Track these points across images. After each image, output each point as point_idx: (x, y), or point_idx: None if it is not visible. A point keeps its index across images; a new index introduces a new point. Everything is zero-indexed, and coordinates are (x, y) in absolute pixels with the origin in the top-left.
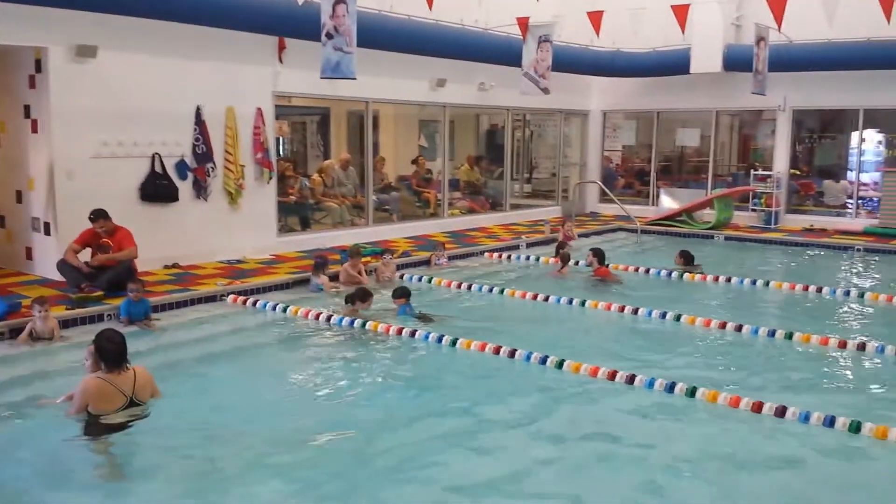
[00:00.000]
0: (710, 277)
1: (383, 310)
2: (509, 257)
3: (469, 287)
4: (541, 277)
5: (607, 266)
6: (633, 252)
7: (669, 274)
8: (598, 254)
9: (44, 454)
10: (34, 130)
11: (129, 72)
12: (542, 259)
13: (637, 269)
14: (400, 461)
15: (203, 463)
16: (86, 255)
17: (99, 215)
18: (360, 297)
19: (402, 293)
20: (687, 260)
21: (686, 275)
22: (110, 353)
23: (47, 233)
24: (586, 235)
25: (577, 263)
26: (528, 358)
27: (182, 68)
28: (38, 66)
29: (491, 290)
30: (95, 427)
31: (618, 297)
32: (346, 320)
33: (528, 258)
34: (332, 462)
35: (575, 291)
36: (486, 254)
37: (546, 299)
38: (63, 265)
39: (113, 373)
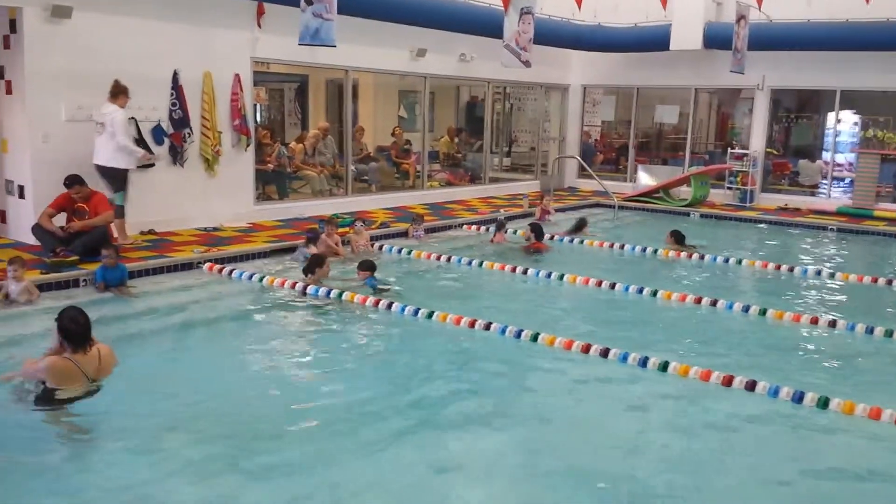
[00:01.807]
0: (683, 254)
1: (350, 279)
2: (487, 230)
3: (448, 259)
4: (482, 246)
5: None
6: (609, 227)
7: (644, 250)
8: (536, 229)
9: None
10: (8, 92)
11: (104, 34)
12: (519, 232)
13: (612, 245)
14: (371, 437)
15: (164, 431)
16: (60, 219)
17: (74, 181)
18: (316, 264)
19: (366, 266)
20: (678, 239)
21: (660, 251)
22: (73, 334)
23: (21, 196)
24: (563, 210)
25: (515, 232)
26: (503, 331)
27: (159, 31)
28: (13, 26)
29: (470, 263)
30: (48, 399)
31: (595, 270)
32: (323, 290)
33: (506, 231)
34: (299, 435)
35: (506, 257)
36: (465, 226)
37: (525, 272)
38: (38, 229)
39: (78, 353)
